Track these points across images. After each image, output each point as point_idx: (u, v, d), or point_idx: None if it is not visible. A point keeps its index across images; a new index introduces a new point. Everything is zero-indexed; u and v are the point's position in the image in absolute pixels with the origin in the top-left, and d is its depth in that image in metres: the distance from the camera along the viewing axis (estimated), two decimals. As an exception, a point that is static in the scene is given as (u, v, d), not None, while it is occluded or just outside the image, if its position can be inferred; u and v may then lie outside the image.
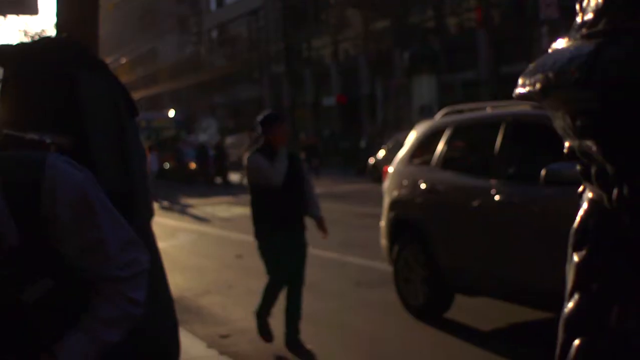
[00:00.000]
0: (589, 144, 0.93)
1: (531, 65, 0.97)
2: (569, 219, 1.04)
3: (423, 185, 7.78)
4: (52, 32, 6.90)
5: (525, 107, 6.90)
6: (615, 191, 0.92)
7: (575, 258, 0.98)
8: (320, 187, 28.02)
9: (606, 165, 0.92)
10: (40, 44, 4.32)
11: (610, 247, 0.96)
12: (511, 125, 6.93)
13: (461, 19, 36.93)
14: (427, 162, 7.99)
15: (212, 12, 61.09)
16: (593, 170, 0.94)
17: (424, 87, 31.12)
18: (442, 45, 35.05)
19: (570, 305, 0.97)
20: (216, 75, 55.35)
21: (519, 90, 0.97)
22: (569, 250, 1.00)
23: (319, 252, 12.33)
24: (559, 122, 0.97)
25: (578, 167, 0.96)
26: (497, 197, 6.72)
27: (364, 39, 42.31)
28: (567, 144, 0.97)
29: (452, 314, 7.65)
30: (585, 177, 0.97)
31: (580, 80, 0.88)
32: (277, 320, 8.02)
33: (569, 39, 0.96)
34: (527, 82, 0.96)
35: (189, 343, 6.82)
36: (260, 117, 6.95)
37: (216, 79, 55.50)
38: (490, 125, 7.33)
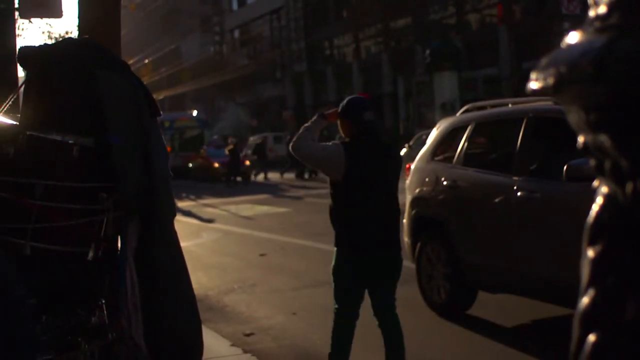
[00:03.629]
0: (603, 138, 0.92)
1: (544, 60, 0.97)
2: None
3: (445, 182, 7.76)
4: (76, 34, 6.96)
5: (547, 103, 6.87)
6: (629, 186, 0.92)
7: (590, 253, 0.98)
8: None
9: (620, 159, 0.91)
10: (62, 46, 4.37)
11: (625, 242, 0.95)
12: (533, 121, 6.90)
13: (482, 15, 36.79)
14: (449, 159, 7.97)
15: (234, 11, 61.24)
16: (607, 165, 0.94)
17: (446, 83, 30.99)
18: (463, 41, 34.93)
19: (585, 300, 0.97)
20: (238, 74, 55.47)
21: (532, 85, 0.97)
22: (584, 245, 1.00)
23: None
24: (573, 116, 0.97)
25: (592, 162, 0.96)
26: (519, 194, 6.69)
27: (385, 36, 42.26)
28: (581, 139, 0.97)
29: (475, 310, 7.63)
30: (600, 172, 0.97)
31: (593, 74, 0.87)
32: (297, 318, 8.04)
33: (583, 33, 0.95)
34: (540, 76, 0.96)
35: (213, 341, 6.85)
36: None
37: (238, 79, 55.62)
38: (511, 122, 7.30)
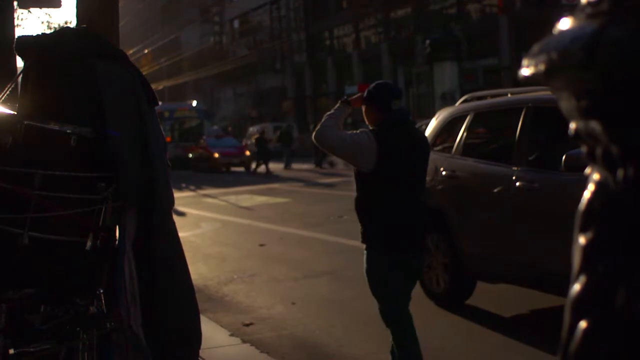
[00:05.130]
0: (594, 124, 0.92)
1: (535, 46, 0.97)
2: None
3: (444, 172, 7.76)
4: (75, 24, 6.95)
5: (546, 93, 6.86)
6: (620, 172, 0.92)
7: (581, 240, 0.98)
8: (342, 175, 28.03)
9: (611, 146, 0.91)
10: (60, 35, 4.37)
11: (616, 229, 0.95)
12: (532, 111, 6.89)
13: (482, 5, 36.73)
14: (448, 149, 7.97)
15: (234, 1, 61.15)
16: (598, 151, 0.94)
17: (446, 73, 30.96)
18: (463, 31, 34.88)
19: (576, 287, 0.97)
20: (238, 65, 55.46)
21: (524, 71, 0.97)
22: (575, 232, 1.00)
23: (341, 239, 12.36)
24: (564, 103, 0.96)
25: (584, 149, 0.96)
26: (518, 184, 6.69)
27: (386, 26, 42.21)
28: (572, 126, 0.97)
29: (474, 300, 7.64)
30: (591, 159, 0.97)
31: (583, 60, 0.87)
32: (297, 308, 8.05)
33: (574, 19, 0.95)
34: (532, 63, 0.96)
35: (212, 331, 6.87)
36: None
37: (238, 69, 55.61)
38: (510, 111, 7.30)
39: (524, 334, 6.60)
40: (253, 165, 33.96)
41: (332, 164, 32.52)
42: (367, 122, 5.09)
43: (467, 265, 7.39)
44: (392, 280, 4.91)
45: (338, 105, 5.13)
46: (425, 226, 5.15)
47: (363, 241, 4.98)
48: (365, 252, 4.98)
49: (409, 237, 4.91)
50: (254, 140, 34.99)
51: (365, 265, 4.97)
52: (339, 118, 5.04)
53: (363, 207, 4.98)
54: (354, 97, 5.20)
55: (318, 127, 5.01)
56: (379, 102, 4.97)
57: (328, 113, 5.10)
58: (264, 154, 33.32)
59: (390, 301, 4.98)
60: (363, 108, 5.08)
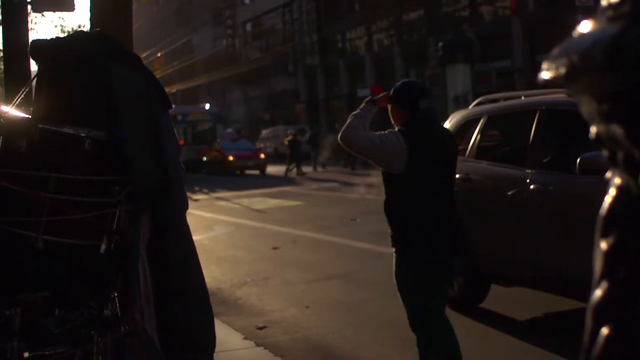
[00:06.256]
0: (616, 128, 0.91)
1: (556, 49, 0.96)
2: (604, 207, 1.02)
3: (457, 175, 7.73)
4: (88, 27, 6.99)
5: (560, 95, 6.83)
6: (642, 176, 0.91)
7: (603, 245, 0.97)
8: (355, 177, 28.02)
9: (633, 150, 0.90)
10: (74, 39, 4.37)
11: (638, 233, 0.94)
12: (546, 113, 6.87)
13: (495, 7, 36.66)
14: (461, 152, 7.93)
15: (246, 5, 61.26)
16: (620, 155, 0.93)
17: (459, 76, 30.92)
18: (476, 33, 34.82)
19: (598, 293, 0.96)
20: (251, 67, 55.54)
21: (544, 75, 0.96)
22: (596, 237, 0.99)
23: (354, 242, 12.35)
24: (585, 106, 0.95)
25: (605, 153, 0.95)
26: (532, 186, 6.66)
27: (398, 29, 42.19)
28: (593, 130, 0.96)
29: (488, 303, 7.61)
30: (613, 163, 0.96)
31: (605, 63, 0.86)
32: (310, 311, 8.04)
33: (595, 22, 0.94)
34: (552, 66, 0.95)
35: (225, 335, 6.86)
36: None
37: (251, 72, 55.69)
38: (524, 114, 7.27)
39: (538, 338, 6.57)
40: (290, 168, 33.40)
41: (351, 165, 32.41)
42: (392, 122, 4.95)
43: (481, 268, 7.36)
44: (423, 284, 4.76)
45: (364, 104, 4.98)
46: (457, 226, 4.99)
47: (393, 244, 4.83)
48: (394, 254, 4.84)
49: (442, 238, 4.77)
50: (286, 142, 34.80)
51: (394, 268, 4.83)
52: (365, 118, 4.87)
53: (393, 209, 4.82)
54: (380, 96, 5.04)
55: (344, 127, 4.86)
56: (405, 101, 4.84)
57: (353, 113, 4.94)
58: (296, 155, 33.21)
59: (418, 306, 4.83)
60: (389, 107, 4.94)
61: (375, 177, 25.88)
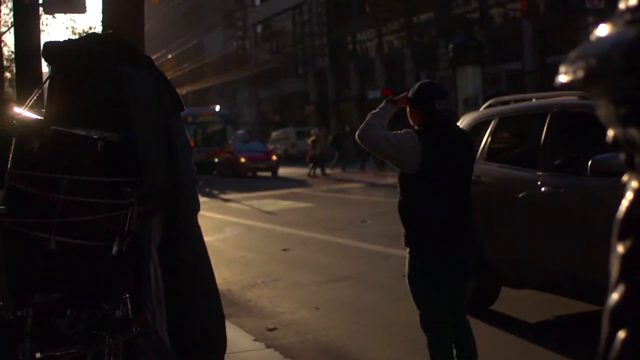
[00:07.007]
0: (633, 132, 0.91)
1: (573, 53, 0.95)
2: (616, 210, 1.02)
3: (469, 177, 7.72)
4: (100, 29, 7.01)
5: (571, 98, 6.81)
6: (660, 180, 0.90)
7: (620, 248, 0.97)
8: (365, 178, 28.01)
9: (651, 153, 0.90)
10: (86, 41, 4.39)
11: (656, 237, 0.94)
12: (557, 116, 6.85)
13: (506, 9, 36.58)
14: (472, 154, 7.93)
15: (257, 7, 61.29)
16: (637, 159, 0.93)
17: (469, 78, 30.84)
18: (486, 36, 34.76)
19: (615, 296, 0.96)
20: (261, 69, 55.58)
21: (562, 78, 0.96)
22: (613, 240, 0.98)
23: (364, 244, 12.34)
24: (603, 110, 0.95)
25: (622, 156, 0.95)
26: (543, 189, 6.65)
27: (408, 31, 42.14)
28: (610, 133, 0.96)
29: (498, 306, 7.59)
30: (630, 167, 0.95)
31: (624, 66, 0.86)
32: (320, 313, 8.04)
33: (613, 25, 0.94)
34: (570, 70, 0.95)
35: (236, 336, 6.87)
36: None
37: (261, 74, 55.73)
38: (535, 116, 7.26)
39: (549, 341, 6.55)
40: (314, 169, 33.32)
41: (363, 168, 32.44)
42: (411, 123, 4.95)
43: (492, 271, 7.35)
44: (436, 286, 4.76)
45: (383, 104, 4.99)
46: (472, 228, 4.96)
47: (406, 245, 4.81)
48: (407, 256, 4.82)
49: (455, 239, 4.76)
50: (310, 143, 34.75)
51: (407, 269, 4.82)
52: (384, 117, 4.89)
53: (407, 210, 4.80)
54: (400, 96, 5.03)
55: (362, 125, 4.87)
56: (422, 102, 4.83)
57: (373, 112, 4.96)
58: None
59: (430, 308, 4.83)
60: (407, 108, 4.95)
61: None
